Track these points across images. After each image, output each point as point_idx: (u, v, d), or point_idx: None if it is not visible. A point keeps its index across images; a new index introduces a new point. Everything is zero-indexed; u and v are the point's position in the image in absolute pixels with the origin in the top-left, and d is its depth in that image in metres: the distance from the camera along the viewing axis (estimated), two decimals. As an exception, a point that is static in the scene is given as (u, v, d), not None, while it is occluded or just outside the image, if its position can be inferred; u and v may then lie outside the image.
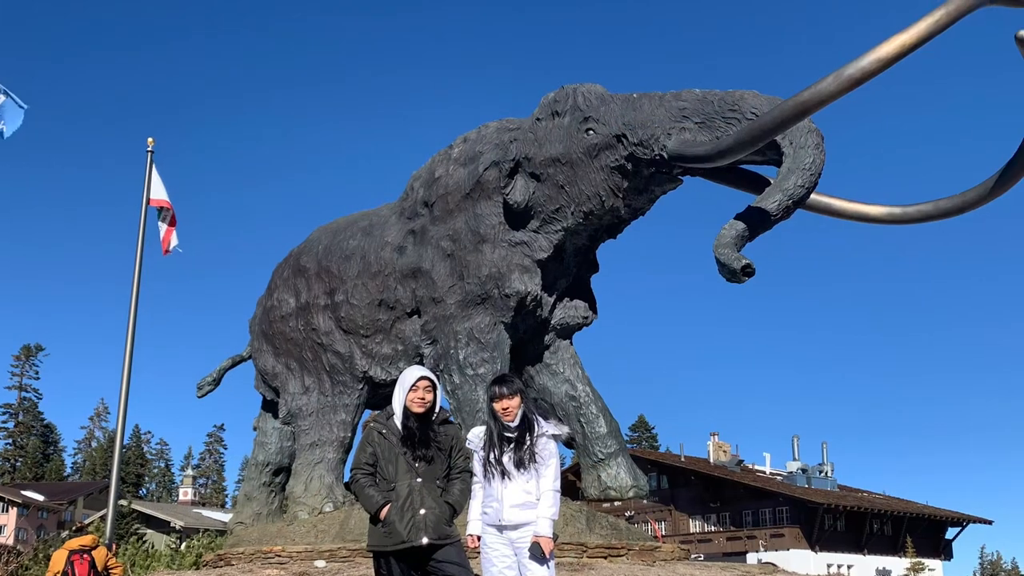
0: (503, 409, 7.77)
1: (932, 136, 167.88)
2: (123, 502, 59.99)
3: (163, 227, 22.14)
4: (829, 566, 67.62)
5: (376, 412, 8.80)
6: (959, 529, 78.90)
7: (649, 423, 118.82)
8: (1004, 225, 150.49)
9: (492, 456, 7.78)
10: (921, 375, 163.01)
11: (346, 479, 15.35)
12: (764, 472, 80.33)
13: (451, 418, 8.50)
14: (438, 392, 8.04)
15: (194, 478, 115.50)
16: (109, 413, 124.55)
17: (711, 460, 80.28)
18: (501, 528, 7.72)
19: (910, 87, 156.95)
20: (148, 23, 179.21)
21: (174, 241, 22.25)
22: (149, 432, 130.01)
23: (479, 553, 7.94)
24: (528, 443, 7.76)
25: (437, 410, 8.02)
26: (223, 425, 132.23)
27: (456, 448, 8.03)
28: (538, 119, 13.74)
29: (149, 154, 22.09)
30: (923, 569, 63.23)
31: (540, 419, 7.94)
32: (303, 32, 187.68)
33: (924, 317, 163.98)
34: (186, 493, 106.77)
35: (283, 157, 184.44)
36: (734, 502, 74.19)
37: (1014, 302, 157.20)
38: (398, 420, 7.90)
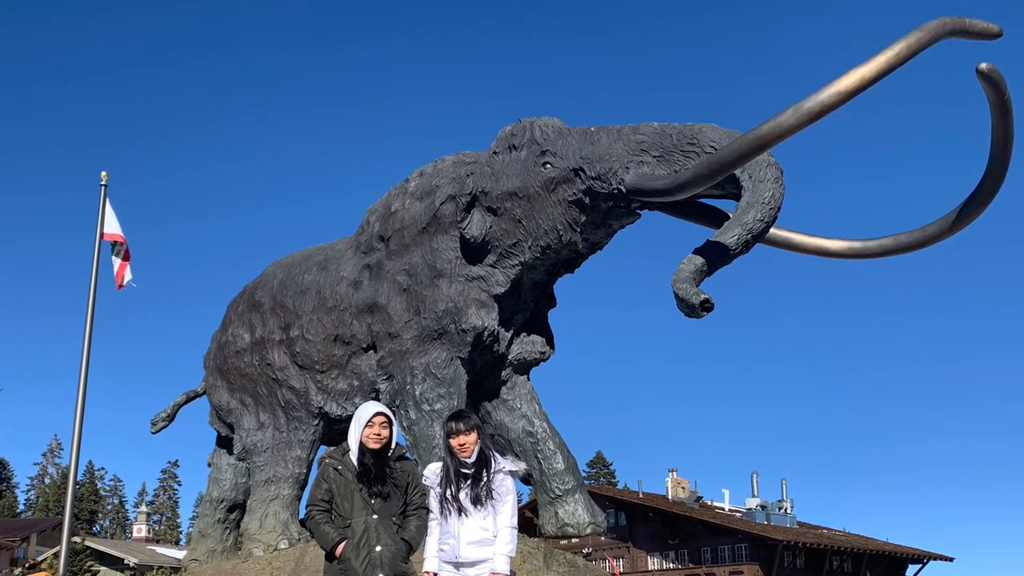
0: (460, 445, 7.74)
1: (893, 169, 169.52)
2: (76, 539, 59.35)
3: (117, 261, 21.97)
4: (788, 603, 67.70)
5: (332, 448, 8.75)
6: (920, 566, 79.34)
7: (607, 459, 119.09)
8: (964, 260, 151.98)
9: (449, 492, 7.74)
10: (881, 411, 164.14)
11: (301, 515, 15.20)
12: (723, 509, 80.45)
13: (407, 454, 8.46)
14: (394, 428, 8.02)
15: (148, 515, 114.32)
16: (62, 449, 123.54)
17: (669, 497, 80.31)
18: (458, 565, 7.68)
19: (871, 120, 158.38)
20: (100, 55, 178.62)
21: (128, 276, 22.07)
22: (103, 468, 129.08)
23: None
24: (485, 479, 7.73)
25: (393, 446, 8.00)
26: (177, 461, 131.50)
27: (412, 484, 8.02)
28: (495, 153, 13.67)
29: (103, 188, 21.97)
30: (881, 606, 63.35)
31: (497, 455, 7.91)
32: (258, 65, 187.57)
33: (884, 353, 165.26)
34: (140, 530, 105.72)
35: (239, 191, 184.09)
36: (693, 539, 74.22)
37: (974, 337, 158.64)
38: (354, 456, 7.88)
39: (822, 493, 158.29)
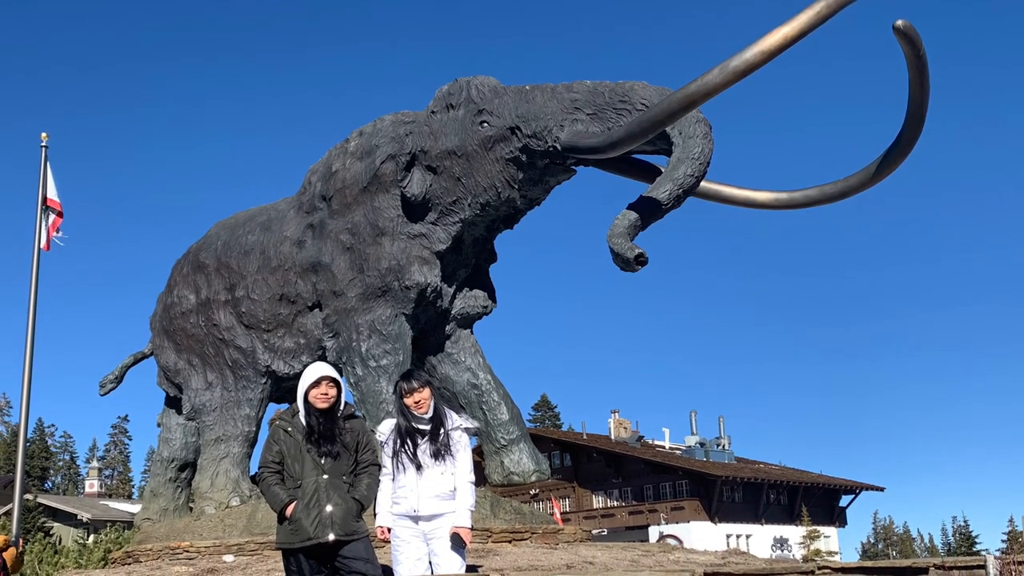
0: (415, 402, 8.00)
1: (818, 123, 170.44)
2: (29, 496, 59.11)
3: (49, 219, 21.71)
4: (728, 536, 68.84)
5: (282, 410, 8.94)
6: (852, 497, 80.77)
7: (552, 402, 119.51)
8: (888, 210, 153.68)
9: (406, 449, 7.98)
10: (814, 350, 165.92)
11: (252, 472, 15.43)
12: (664, 447, 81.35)
13: (356, 412, 8.65)
14: (342, 387, 8.19)
15: (100, 470, 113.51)
16: (11, 407, 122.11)
17: (612, 437, 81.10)
18: (416, 519, 7.95)
19: (794, 76, 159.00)
20: (34, 10, 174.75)
21: (56, 234, 21.78)
22: (53, 425, 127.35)
23: (388, 542, 8.15)
24: (442, 434, 8.00)
25: (342, 406, 8.16)
26: (127, 416, 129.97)
27: (362, 443, 8.19)
28: (433, 112, 13.88)
29: (43, 149, 21.74)
30: (819, 536, 64.49)
31: (452, 412, 8.20)
32: (200, 14, 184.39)
33: (816, 295, 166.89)
34: (92, 485, 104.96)
35: (182, 150, 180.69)
36: (635, 477, 75.19)
37: (900, 282, 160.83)
38: (303, 417, 8.04)
39: (758, 429, 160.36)
